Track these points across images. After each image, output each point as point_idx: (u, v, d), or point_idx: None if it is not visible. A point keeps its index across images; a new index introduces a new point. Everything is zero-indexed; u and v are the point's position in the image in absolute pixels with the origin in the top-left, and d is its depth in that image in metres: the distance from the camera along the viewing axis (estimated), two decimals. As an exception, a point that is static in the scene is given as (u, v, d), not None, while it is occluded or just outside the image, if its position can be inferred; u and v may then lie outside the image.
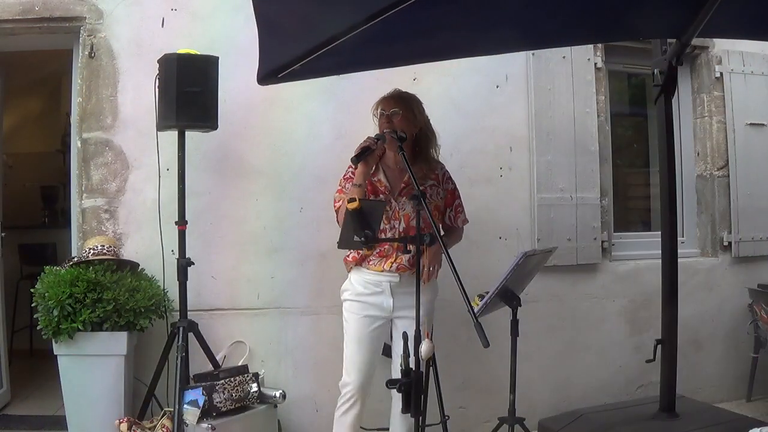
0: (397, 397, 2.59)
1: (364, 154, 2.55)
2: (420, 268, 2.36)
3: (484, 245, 3.64)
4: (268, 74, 2.50)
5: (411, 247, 2.46)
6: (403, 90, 2.82)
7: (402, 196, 2.73)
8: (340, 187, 2.77)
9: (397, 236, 2.70)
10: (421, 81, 3.55)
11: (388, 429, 2.87)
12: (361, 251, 2.71)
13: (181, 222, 3.04)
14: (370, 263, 2.72)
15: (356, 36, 2.06)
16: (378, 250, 2.71)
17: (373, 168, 2.74)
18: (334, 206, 2.76)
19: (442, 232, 2.79)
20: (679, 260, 3.08)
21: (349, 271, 2.81)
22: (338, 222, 2.74)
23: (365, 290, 2.72)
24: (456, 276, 2.12)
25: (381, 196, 2.68)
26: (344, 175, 2.79)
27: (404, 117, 2.70)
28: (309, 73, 2.63)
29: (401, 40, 2.46)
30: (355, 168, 2.64)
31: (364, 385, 2.69)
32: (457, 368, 3.51)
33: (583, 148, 3.83)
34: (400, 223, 2.72)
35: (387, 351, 2.86)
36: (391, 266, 2.69)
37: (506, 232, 3.71)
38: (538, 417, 3.22)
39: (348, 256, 2.78)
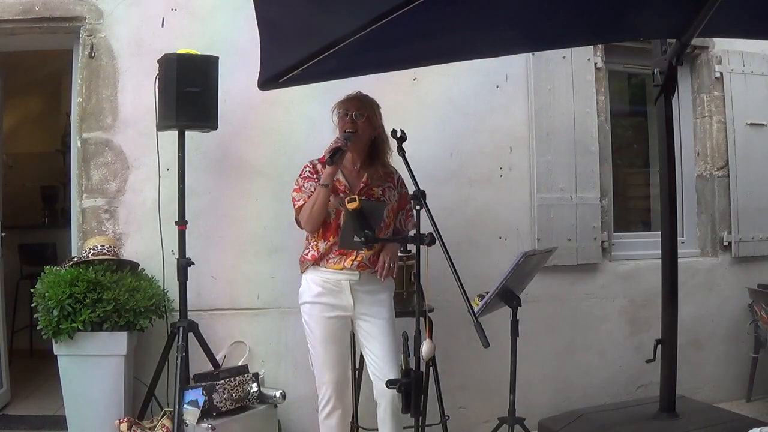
0: (384, 397, 2.60)
1: (337, 155, 2.56)
2: (420, 269, 2.36)
3: (484, 245, 3.64)
4: (269, 79, 2.50)
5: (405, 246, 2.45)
6: (365, 93, 2.82)
7: (362, 195, 2.70)
8: (297, 186, 2.73)
9: None
10: (421, 81, 3.56)
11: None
12: (320, 250, 2.66)
13: (181, 222, 3.04)
14: (329, 261, 2.67)
15: (357, 40, 2.06)
16: (338, 248, 2.67)
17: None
18: (294, 205, 2.72)
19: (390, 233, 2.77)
20: (679, 260, 3.08)
21: (303, 272, 2.75)
22: (297, 222, 2.73)
23: (323, 290, 2.67)
24: (456, 276, 2.12)
25: (341, 195, 2.65)
26: (301, 174, 2.76)
27: (367, 119, 2.71)
28: (310, 78, 2.63)
29: (402, 43, 2.46)
30: (313, 169, 2.68)
31: (340, 383, 2.68)
32: (457, 368, 3.51)
33: (583, 148, 3.83)
34: None
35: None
36: (351, 264, 2.65)
37: (506, 232, 3.71)
38: (538, 417, 3.23)
39: (307, 254, 2.73)
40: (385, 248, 2.66)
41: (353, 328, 2.76)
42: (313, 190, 2.65)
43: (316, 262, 2.69)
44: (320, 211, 2.60)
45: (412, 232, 2.78)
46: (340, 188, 2.70)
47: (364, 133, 2.70)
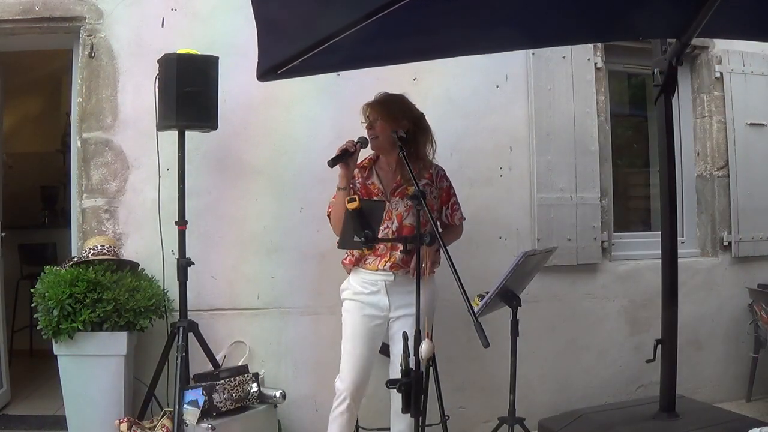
0: (395, 396, 2.60)
1: (342, 158, 2.58)
2: (420, 268, 2.36)
3: (484, 245, 3.64)
4: (268, 70, 2.50)
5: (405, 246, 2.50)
6: (391, 92, 2.82)
7: (395, 196, 2.75)
8: (336, 193, 2.77)
9: (390, 236, 2.71)
10: (421, 81, 3.55)
11: (388, 429, 2.87)
12: (355, 254, 2.73)
13: (181, 222, 3.04)
14: (367, 263, 2.74)
15: (356, 33, 2.06)
16: (374, 251, 2.72)
17: (367, 173, 2.79)
18: (328, 212, 2.80)
19: (440, 230, 2.79)
20: (679, 260, 3.08)
21: (348, 273, 2.84)
22: (332, 226, 2.77)
23: (363, 290, 2.74)
24: (456, 276, 2.11)
25: (375, 198, 2.70)
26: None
27: (383, 122, 2.71)
28: (309, 70, 2.64)
29: (401, 37, 2.46)
30: (353, 176, 2.71)
31: (358, 385, 2.69)
32: (457, 368, 3.51)
33: (583, 148, 3.83)
34: (393, 222, 2.74)
35: (385, 350, 2.87)
36: (385, 265, 2.70)
37: (506, 232, 3.71)
38: (538, 417, 3.22)
39: (345, 259, 2.81)
40: (427, 250, 2.56)
41: (388, 333, 2.78)
42: None
43: (355, 264, 2.76)
44: (341, 215, 2.58)
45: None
46: (374, 192, 2.75)
47: (384, 136, 2.70)
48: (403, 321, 2.69)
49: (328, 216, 2.80)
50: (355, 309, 2.73)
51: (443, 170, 2.91)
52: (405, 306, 2.70)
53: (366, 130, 2.77)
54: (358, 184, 2.79)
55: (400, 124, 2.72)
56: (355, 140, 2.66)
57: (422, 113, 2.85)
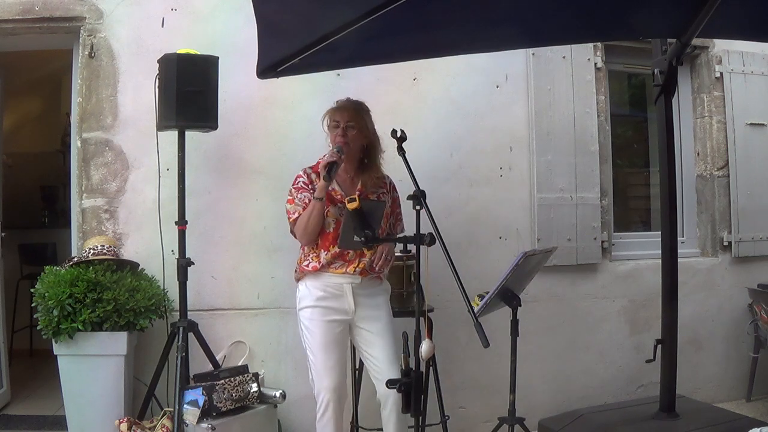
0: (389, 398, 2.60)
1: (334, 170, 2.55)
2: (420, 269, 2.36)
3: (484, 245, 3.64)
4: (268, 68, 2.50)
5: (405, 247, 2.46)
6: (354, 99, 2.80)
7: None
8: (290, 197, 2.71)
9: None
10: (421, 81, 3.56)
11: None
12: (321, 259, 2.66)
13: (181, 222, 3.04)
14: (332, 267, 2.67)
15: (355, 31, 2.06)
16: (342, 255, 2.67)
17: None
18: (289, 218, 2.71)
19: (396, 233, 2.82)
20: (679, 260, 3.07)
21: (300, 279, 2.76)
22: (293, 233, 2.72)
23: (325, 294, 2.68)
24: (456, 276, 2.12)
25: (339, 205, 2.65)
26: (294, 184, 2.73)
27: (358, 130, 2.70)
28: (309, 68, 2.63)
29: (400, 35, 2.46)
30: (308, 179, 2.67)
31: (338, 388, 2.65)
32: (457, 368, 3.51)
33: (583, 148, 3.83)
34: None
35: None
36: (354, 270, 2.66)
37: (506, 232, 3.71)
38: (538, 417, 3.22)
39: (307, 265, 2.70)
40: (378, 247, 2.63)
41: (351, 335, 2.76)
42: (306, 201, 2.64)
43: (320, 270, 2.69)
44: (316, 224, 2.61)
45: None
46: (336, 198, 2.69)
47: (355, 143, 2.71)
48: (370, 325, 2.69)
49: (292, 223, 2.68)
50: (319, 316, 2.66)
51: (393, 181, 2.88)
52: (369, 308, 2.69)
53: (332, 135, 2.71)
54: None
55: (369, 132, 2.73)
56: (335, 149, 2.62)
57: None
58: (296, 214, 2.67)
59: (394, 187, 2.89)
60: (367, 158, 2.78)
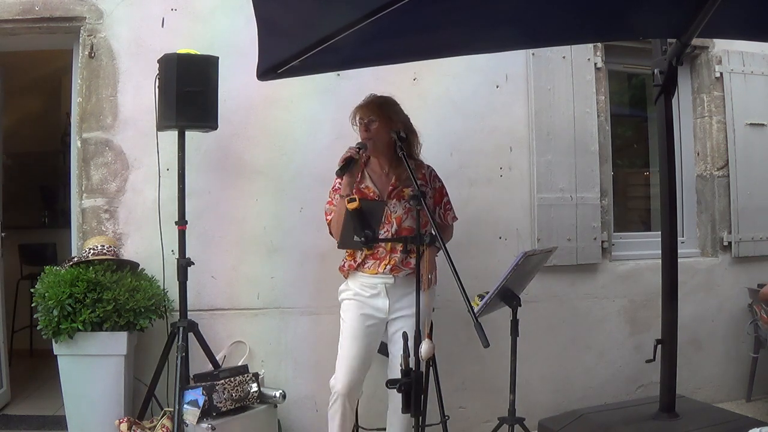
0: (393, 397, 2.61)
1: (349, 166, 2.57)
2: (420, 269, 2.36)
3: (484, 245, 3.64)
4: (268, 69, 2.50)
5: (402, 249, 2.53)
6: (380, 95, 2.83)
7: (391, 198, 2.75)
8: (330, 199, 2.80)
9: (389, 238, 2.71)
10: (421, 81, 3.56)
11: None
12: (355, 260, 2.73)
13: (181, 222, 3.04)
14: (366, 266, 2.75)
15: (355, 33, 2.06)
16: (373, 254, 2.73)
17: (359, 177, 2.76)
18: (326, 219, 2.80)
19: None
20: (679, 260, 3.08)
21: (346, 278, 2.84)
22: (331, 234, 2.78)
23: (363, 292, 2.75)
24: (456, 276, 2.11)
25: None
26: (332, 187, 2.81)
27: (381, 124, 2.72)
28: (309, 69, 2.64)
29: (400, 37, 2.46)
30: (341, 179, 2.68)
31: (352, 386, 2.68)
32: (457, 368, 3.51)
33: (583, 148, 3.83)
34: (392, 225, 2.74)
35: (383, 349, 2.87)
36: (384, 268, 2.71)
37: (506, 232, 3.71)
38: (538, 417, 3.22)
39: (344, 265, 2.80)
40: (423, 259, 2.52)
41: (386, 334, 2.79)
42: None
43: (354, 270, 2.76)
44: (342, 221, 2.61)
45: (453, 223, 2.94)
46: (370, 195, 2.73)
47: (380, 138, 2.71)
48: (403, 321, 2.70)
49: (329, 224, 2.80)
50: (354, 307, 2.74)
51: (434, 170, 2.92)
52: (404, 307, 2.71)
53: (361, 133, 2.76)
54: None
55: (395, 126, 2.73)
56: (356, 146, 2.65)
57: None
58: (331, 215, 2.75)
59: (435, 176, 2.91)
60: (406, 149, 2.73)
